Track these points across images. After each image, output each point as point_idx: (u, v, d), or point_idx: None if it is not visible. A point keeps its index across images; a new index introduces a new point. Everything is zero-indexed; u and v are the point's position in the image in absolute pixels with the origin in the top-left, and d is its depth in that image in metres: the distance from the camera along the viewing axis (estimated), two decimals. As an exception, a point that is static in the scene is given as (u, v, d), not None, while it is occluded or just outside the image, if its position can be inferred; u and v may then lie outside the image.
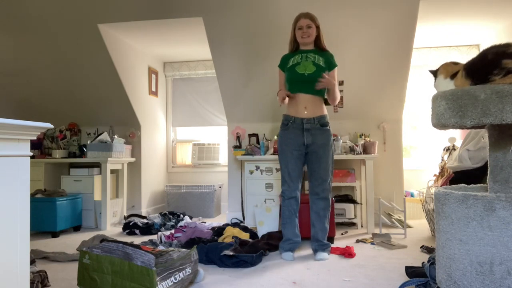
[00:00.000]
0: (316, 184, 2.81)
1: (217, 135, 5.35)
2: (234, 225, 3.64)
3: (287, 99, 2.78)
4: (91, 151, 4.18)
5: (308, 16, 2.79)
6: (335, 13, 3.59)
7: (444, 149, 3.98)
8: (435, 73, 1.66)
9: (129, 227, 3.79)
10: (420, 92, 4.68)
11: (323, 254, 2.75)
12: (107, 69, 4.21)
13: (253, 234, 3.31)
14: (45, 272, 2.25)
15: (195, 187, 4.87)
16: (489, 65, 1.42)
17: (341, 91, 4.12)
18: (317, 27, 2.82)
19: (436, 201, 1.59)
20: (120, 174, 4.44)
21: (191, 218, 4.37)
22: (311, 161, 2.80)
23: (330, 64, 2.82)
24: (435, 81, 1.65)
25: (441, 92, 1.52)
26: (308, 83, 2.74)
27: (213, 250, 2.68)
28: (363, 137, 3.99)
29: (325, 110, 2.85)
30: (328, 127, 2.82)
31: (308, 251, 2.99)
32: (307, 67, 2.75)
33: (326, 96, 2.87)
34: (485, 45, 4.45)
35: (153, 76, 5.07)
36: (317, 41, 2.85)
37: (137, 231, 3.75)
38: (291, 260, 2.71)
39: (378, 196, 3.94)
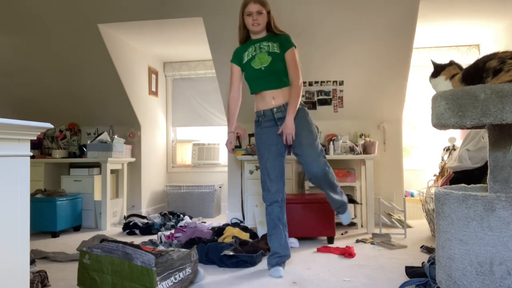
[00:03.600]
0: (307, 164, 2.46)
1: (217, 135, 5.35)
2: (234, 225, 3.64)
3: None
4: (91, 151, 4.18)
5: (258, 1, 2.47)
6: (335, 13, 3.59)
7: (444, 149, 3.98)
8: (437, 69, 1.66)
9: (129, 227, 3.79)
10: (420, 92, 4.68)
11: (345, 217, 2.71)
12: (107, 69, 4.21)
13: (253, 234, 3.31)
14: (45, 272, 2.25)
15: (195, 187, 4.86)
16: (480, 72, 1.47)
17: (341, 91, 4.12)
18: (268, 12, 2.51)
19: (436, 201, 1.59)
20: (120, 174, 4.44)
21: (191, 218, 4.37)
22: (294, 145, 2.48)
23: (284, 47, 2.48)
24: (434, 77, 1.65)
25: (441, 92, 1.53)
26: (267, 77, 2.49)
27: (213, 250, 2.68)
28: (363, 137, 3.99)
29: None
30: (300, 106, 2.48)
31: (308, 251, 2.99)
32: (262, 59, 2.48)
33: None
34: (485, 45, 4.45)
35: (153, 76, 5.07)
36: (269, 27, 2.54)
37: (137, 231, 3.75)
38: (280, 277, 2.37)
39: (378, 196, 3.94)
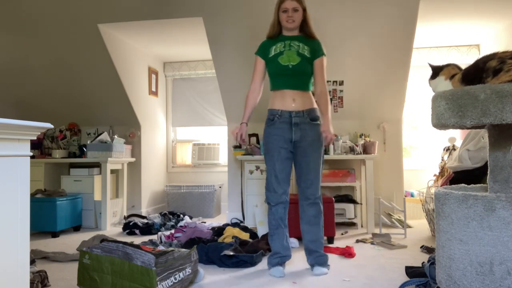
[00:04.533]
0: (304, 187, 2.47)
1: (217, 135, 5.35)
2: (234, 225, 3.64)
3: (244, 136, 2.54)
4: (91, 151, 4.18)
5: None
6: (335, 13, 3.59)
7: (444, 149, 3.98)
8: (436, 71, 1.66)
9: (129, 227, 3.79)
10: (420, 92, 4.68)
11: (321, 269, 2.43)
12: (107, 69, 4.21)
13: (253, 234, 3.31)
14: (45, 272, 2.25)
15: (195, 187, 4.86)
16: (479, 72, 1.47)
17: (341, 91, 4.12)
18: (304, 10, 2.46)
19: (436, 201, 1.59)
20: (120, 174, 4.44)
21: (191, 218, 4.37)
22: (299, 161, 2.47)
23: (315, 53, 2.47)
24: (433, 79, 1.65)
25: (441, 92, 1.52)
26: (293, 76, 2.44)
27: (213, 250, 2.68)
28: (363, 137, 3.98)
29: (315, 103, 2.53)
30: (318, 122, 2.48)
31: (308, 251, 2.99)
32: (290, 57, 2.42)
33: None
34: (485, 45, 4.45)
35: (153, 76, 5.07)
36: (304, 26, 2.49)
37: (137, 231, 3.75)
38: (281, 276, 2.36)
39: (378, 196, 3.94)
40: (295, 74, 2.44)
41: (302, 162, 2.46)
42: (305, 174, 2.46)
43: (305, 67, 2.44)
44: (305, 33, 2.51)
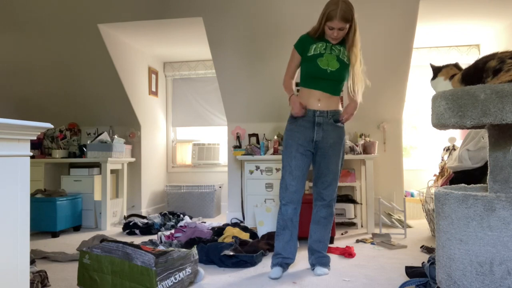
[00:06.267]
0: (321, 188, 2.47)
1: (217, 135, 5.35)
2: (234, 225, 3.65)
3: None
4: (91, 151, 4.18)
5: (344, 19, 2.28)
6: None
7: (444, 149, 3.98)
8: (436, 71, 1.66)
9: (129, 227, 3.79)
10: (420, 92, 4.68)
11: (323, 269, 2.44)
12: (107, 69, 4.21)
13: (253, 234, 3.31)
14: (45, 272, 2.25)
15: (195, 187, 4.86)
16: (479, 72, 1.47)
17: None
18: (352, 22, 2.35)
19: (436, 201, 1.59)
20: (120, 174, 4.44)
21: (191, 218, 4.37)
22: (319, 161, 2.45)
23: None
24: (433, 79, 1.66)
25: (441, 92, 1.53)
26: (328, 80, 2.41)
27: (213, 250, 2.68)
28: (363, 137, 3.98)
29: (340, 106, 2.53)
30: (342, 125, 2.50)
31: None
32: (330, 62, 2.38)
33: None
34: (485, 45, 4.45)
35: (153, 76, 5.07)
36: (348, 33, 2.39)
37: (137, 231, 3.75)
38: (276, 278, 2.33)
39: (378, 196, 3.94)
40: (331, 79, 2.41)
41: (321, 163, 2.45)
42: (324, 175, 2.46)
43: (342, 74, 2.43)
44: (348, 40, 2.44)
